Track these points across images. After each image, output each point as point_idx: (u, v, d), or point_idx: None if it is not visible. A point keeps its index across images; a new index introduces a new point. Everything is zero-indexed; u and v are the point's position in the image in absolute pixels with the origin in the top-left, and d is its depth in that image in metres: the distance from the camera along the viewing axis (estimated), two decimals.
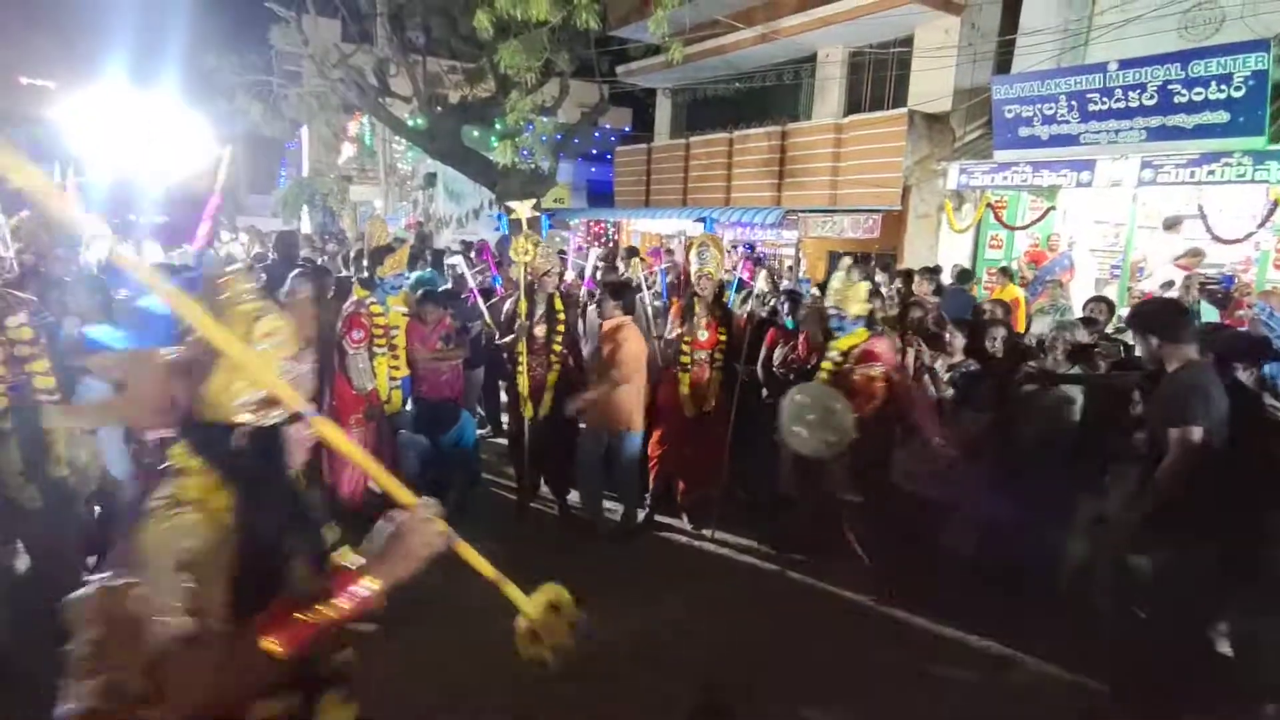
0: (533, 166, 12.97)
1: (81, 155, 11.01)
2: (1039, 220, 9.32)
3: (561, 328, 5.05)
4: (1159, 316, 3.42)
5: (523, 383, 4.98)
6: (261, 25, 12.39)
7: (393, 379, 4.93)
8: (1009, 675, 3.61)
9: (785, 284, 8.37)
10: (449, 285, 7.07)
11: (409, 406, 5.18)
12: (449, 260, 8.76)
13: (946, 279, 7.78)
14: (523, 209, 5.31)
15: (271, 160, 22.45)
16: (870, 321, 4.47)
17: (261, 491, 1.34)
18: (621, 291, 4.90)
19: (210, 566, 1.23)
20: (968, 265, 9.43)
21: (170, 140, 11.98)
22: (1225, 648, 3.58)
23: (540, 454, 5.10)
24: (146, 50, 13.11)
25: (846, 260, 5.77)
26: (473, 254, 9.00)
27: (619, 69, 15.32)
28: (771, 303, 6.26)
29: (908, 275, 7.24)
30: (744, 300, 6.25)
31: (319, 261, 7.85)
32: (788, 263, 12.80)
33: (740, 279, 7.21)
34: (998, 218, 9.80)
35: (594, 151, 18.60)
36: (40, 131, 13.41)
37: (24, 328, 3.20)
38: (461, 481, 5.15)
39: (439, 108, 12.93)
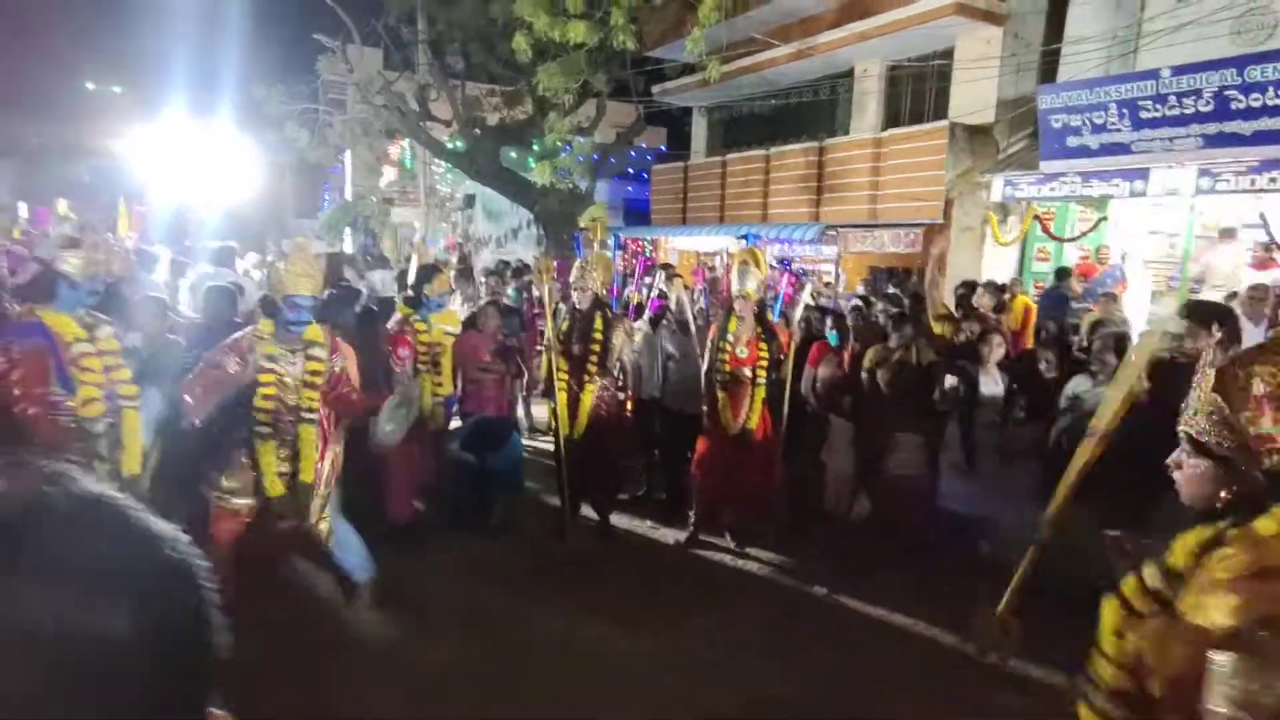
0: (570, 186, 13.09)
1: (143, 185, 11.49)
2: (1089, 231, 9.07)
3: (597, 346, 4.97)
4: (1224, 315, 3.32)
5: (560, 400, 4.96)
6: (309, 56, 12.79)
7: (436, 396, 4.97)
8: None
9: (824, 300, 8.27)
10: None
11: (455, 423, 5.22)
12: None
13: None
14: (596, 225, 5.35)
15: (315, 184, 23.09)
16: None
17: None
18: None
19: None
20: (1015, 277, 9.24)
21: (224, 168, 12.43)
22: None
23: (576, 473, 5.06)
24: (202, 83, 13.64)
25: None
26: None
27: (655, 89, 15.42)
28: (810, 317, 6.16)
29: (969, 289, 7.06)
30: (785, 317, 6.18)
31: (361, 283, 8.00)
32: (827, 279, 12.66)
33: (782, 295, 7.13)
34: (1045, 229, 9.56)
35: (630, 171, 18.72)
36: (105, 164, 14.05)
37: (111, 339, 3.42)
38: (506, 499, 5.15)
39: (478, 130, 13.15)
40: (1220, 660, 1.13)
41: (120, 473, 3.38)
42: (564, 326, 5.03)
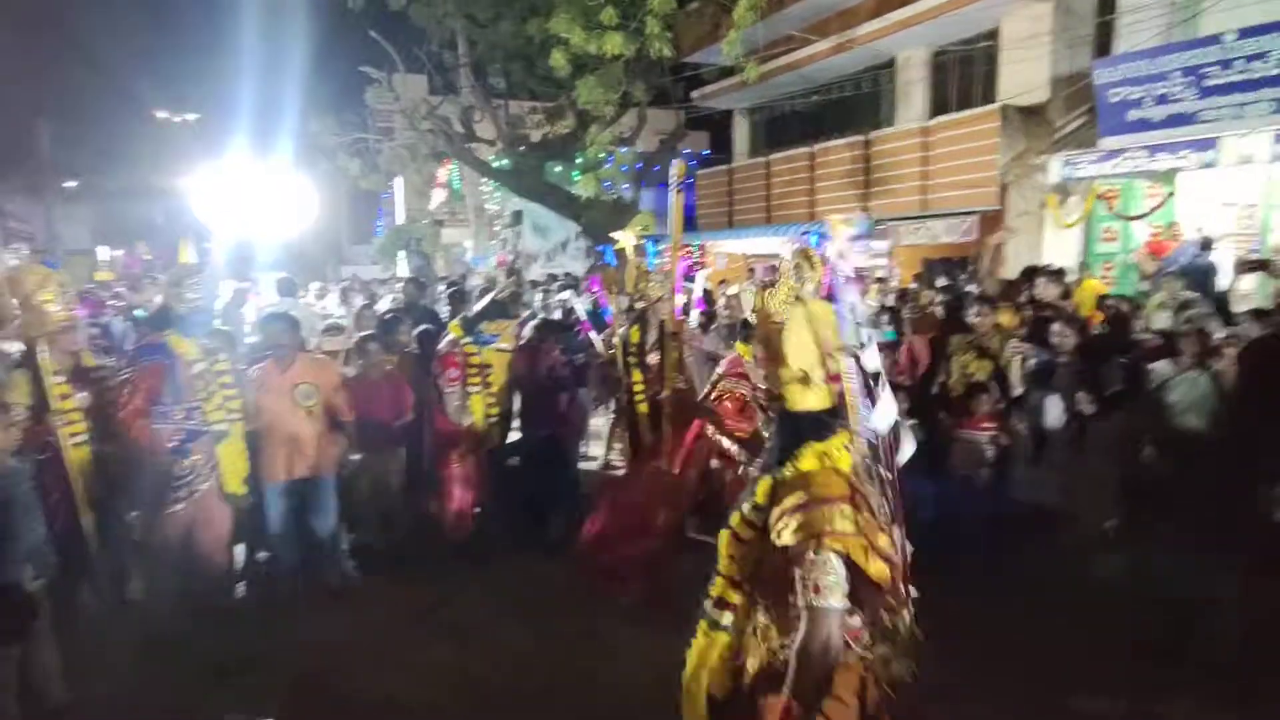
0: (615, 197, 13.16)
1: (208, 222, 12.04)
2: (1158, 208, 8.62)
3: (675, 355, 4.82)
4: None
5: (642, 411, 4.84)
6: (357, 88, 13.26)
7: (489, 415, 5.02)
8: None
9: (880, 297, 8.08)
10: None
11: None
12: (560, 295, 8.89)
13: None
14: (627, 239, 5.25)
15: (369, 211, 23.79)
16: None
17: None
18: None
19: None
20: (1082, 260, 8.87)
21: (283, 202, 12.91)
22: None
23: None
24: (260, 122, 14.25)
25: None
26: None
27: (694, 94, 15.40)
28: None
29: (1029, 274, 6.70)
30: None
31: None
32: (879, 273, 12.37)
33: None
34: (1110, 209, 9.14)
35: None
36: (176, 204, 14.80)
37: (226, 363, 3.96)
38: (564, 513, 5.16)
39: (522, 147, 13.36)
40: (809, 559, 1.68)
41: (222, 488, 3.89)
42: (633, 338, 4.97)
